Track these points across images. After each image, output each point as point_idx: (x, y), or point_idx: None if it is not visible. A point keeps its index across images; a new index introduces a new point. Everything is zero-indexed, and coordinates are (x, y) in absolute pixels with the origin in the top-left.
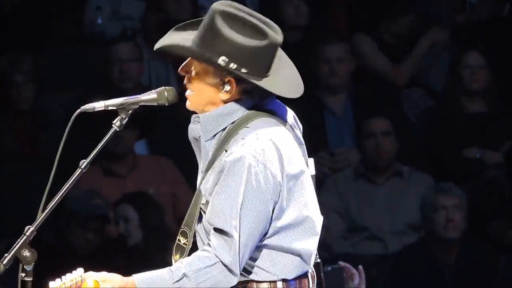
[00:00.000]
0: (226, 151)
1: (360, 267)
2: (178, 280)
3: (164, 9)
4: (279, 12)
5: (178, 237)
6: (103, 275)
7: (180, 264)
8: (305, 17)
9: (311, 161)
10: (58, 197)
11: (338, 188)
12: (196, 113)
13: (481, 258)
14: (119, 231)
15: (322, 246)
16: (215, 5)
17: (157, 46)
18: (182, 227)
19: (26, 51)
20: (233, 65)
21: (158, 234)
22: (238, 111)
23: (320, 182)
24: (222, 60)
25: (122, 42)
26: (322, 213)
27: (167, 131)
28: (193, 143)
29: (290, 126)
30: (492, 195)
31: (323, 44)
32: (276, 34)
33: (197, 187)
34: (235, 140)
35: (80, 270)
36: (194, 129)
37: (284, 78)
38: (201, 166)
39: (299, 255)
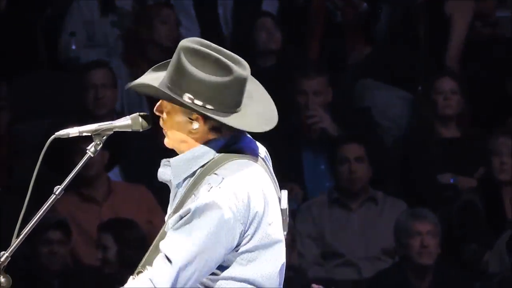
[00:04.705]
0: (194, 195)
1: None
2: None
3: (139, 35)
4: (252, 37)
5: (133, 277)
6: None
7: None
8: (278, 42)
9: (284, 193)
10: (32, 223)
11: (312, 214)
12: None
13: (456, 283)
14: (98, 257)
15: (297, 272)
16: (182, 42)
17: (129, 85)
18: (140, 268)
19: (1, 78)
20: (198, 102)
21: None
22: (208, 153)
23: (294, 209)
24: (187, 98)
25: (96, 68)
26: (297, 239)
27: (142, 158)
28: (167, 183)
29: (263, 160)
30: (466, 220)
31: (299, 77)
32: (242, 69)
33: (162, 229)
34: (203, 185)
35: None
36: (163, 173)
37: (254, 111)
38: (169, 210)
39: None
